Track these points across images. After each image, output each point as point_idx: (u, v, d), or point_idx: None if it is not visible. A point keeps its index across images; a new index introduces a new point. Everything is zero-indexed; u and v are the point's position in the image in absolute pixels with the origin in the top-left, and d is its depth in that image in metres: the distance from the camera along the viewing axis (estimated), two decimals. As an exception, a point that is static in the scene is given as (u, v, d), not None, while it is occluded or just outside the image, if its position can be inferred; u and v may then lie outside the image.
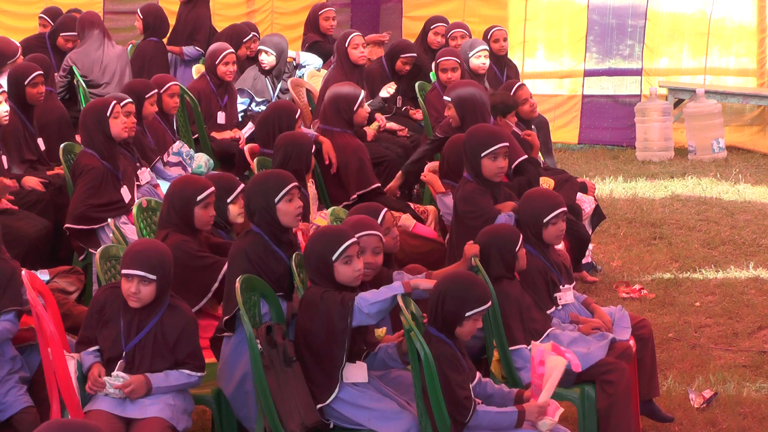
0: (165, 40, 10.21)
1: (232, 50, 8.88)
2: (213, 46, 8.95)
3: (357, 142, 7.67)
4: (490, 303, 4.85)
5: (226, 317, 5.11)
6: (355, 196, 7.41)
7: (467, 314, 4.74)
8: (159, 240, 5.49)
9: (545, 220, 5.69)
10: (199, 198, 5.58)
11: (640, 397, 5.73)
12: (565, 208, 5.74)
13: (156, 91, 7.75)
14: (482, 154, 6.29)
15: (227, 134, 8.69)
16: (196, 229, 5.62)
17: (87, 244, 6.76)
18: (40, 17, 10.47)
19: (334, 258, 4.81)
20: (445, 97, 7.59)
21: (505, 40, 10.08)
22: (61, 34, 9.75)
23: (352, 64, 9.05)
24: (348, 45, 9.04)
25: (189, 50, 10.32)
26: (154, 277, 4.76)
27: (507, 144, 6.37)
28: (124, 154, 7.09)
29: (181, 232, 5.57)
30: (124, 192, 6.84)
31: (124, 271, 4.78)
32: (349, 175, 7.48)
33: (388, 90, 9.27)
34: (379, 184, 7.60)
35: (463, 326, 4.77)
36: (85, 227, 6.72)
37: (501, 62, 10.03)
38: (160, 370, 4.83)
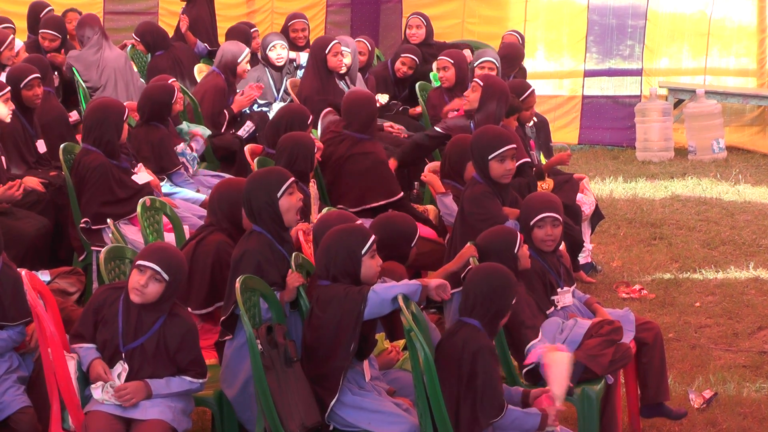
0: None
1: (249, 50, 8.91)
2: (231, 47, 8.92)
3: (381, 149, 7.64)
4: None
5: (224, 317, 5.12)
6: (383, 202, 7.37)
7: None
8: (201, 234, 5.46)
9: (531, 223, 5.71)
10: None
11: (649, 400, 5.72)
12: (551, 213, 5.71)
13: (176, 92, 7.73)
14: (489, 157, 6.26)
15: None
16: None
17: (96, 241, 6.77)
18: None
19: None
20: (476, 80, 7.59)
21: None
22: (41, 32, 9.68)
23: (329, 70, 8.80)
24: (328, 52, 8.77)
25: (200, 46, 10.30)
26: (167, 277, 4.76)
27: (514, 146, 6.36)
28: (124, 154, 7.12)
29: (226, 233, 5.54)
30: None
31: (139, 262, 4.77)
32: (373, 182, 7.41)
33: (379, 100, 9.28)
34: (402, 194, 7.57)
35: (506, 316, 4.91)
36: (101, 226, 6.74)
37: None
38: (162, 376, 4.83)
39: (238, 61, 8.77)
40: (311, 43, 9.33)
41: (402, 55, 9.74)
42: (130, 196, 6.75)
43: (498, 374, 4.81)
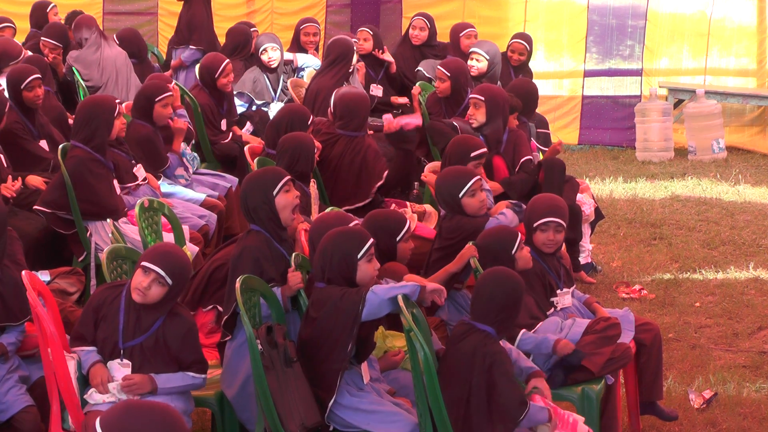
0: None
1: (228, 60, 8.81)
2: (207, 62, 8.84)
3: (374, 144, 7.67)
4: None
5: (226, 317, 5.12)
6: (374, 188, 7.41)
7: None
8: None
9: (534, 225, 5.73)
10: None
11: (643, 397, 5.75)
12: (556, 219, 5.72)
13: (170, 93, 7.67)
14: (460, 195, 6.17)
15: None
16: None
17: (76, 246, 6.80)
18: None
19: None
20: (476, 96, 7.62)
21: (521, 54, 10.05)
22: (42, 40, 9.66)
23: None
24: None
25: (186, 55, 10.28)
26: (170, 282, 4.77)
27: (479, 178, 6.27)
28: (119, 154, 7.11)
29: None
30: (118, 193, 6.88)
31: (144, 263, 4.77)
32: (368, 172, 7.48)
33: (374, 93, 9.31)
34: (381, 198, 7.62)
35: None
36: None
37: (519, 70, 10.06)
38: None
39: (215, 77, 8.68)
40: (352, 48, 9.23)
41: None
42: (110, 194, 6.76)
43: (513, 373, 4.82)
